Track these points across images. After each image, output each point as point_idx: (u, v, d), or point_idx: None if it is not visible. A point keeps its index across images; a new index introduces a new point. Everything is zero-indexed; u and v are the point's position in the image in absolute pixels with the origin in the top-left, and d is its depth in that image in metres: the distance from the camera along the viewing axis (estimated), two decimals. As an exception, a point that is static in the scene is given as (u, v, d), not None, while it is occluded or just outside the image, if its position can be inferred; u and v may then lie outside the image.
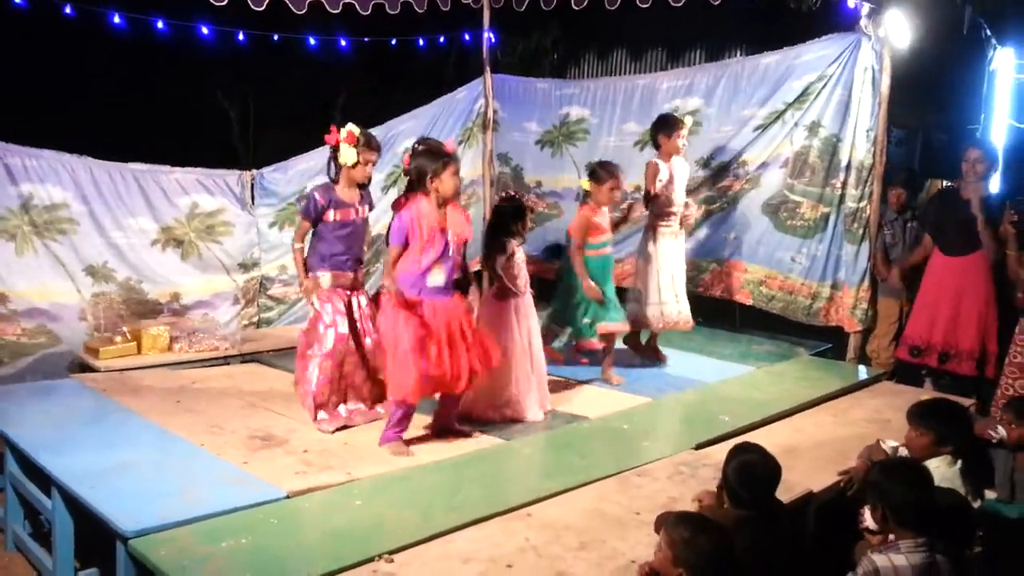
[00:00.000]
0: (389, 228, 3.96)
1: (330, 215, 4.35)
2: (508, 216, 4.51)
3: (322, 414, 4.24)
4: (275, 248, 6.24)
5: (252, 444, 3.92)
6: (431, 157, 3.90)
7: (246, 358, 5.56)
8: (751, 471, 2.72)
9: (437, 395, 4.13)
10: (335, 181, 4.38)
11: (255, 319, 6.22)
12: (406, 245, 3.88)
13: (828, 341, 6.13)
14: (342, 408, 4.34)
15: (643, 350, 5.72)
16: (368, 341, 4.39)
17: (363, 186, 4.46)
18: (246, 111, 9.80)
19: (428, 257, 3.86)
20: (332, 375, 4.27)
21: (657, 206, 5.45)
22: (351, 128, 4.28)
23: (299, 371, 4.36)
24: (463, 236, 3.99)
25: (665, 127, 5.54)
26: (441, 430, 4.18)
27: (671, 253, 5.51)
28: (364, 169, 4.36)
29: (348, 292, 4.42)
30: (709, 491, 3.05)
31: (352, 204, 4.40)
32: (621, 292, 5.44)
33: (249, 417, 4.30)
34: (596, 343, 5.06)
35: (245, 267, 6.14)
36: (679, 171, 5.54)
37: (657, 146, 5.53)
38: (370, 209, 4.54)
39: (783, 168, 6.08)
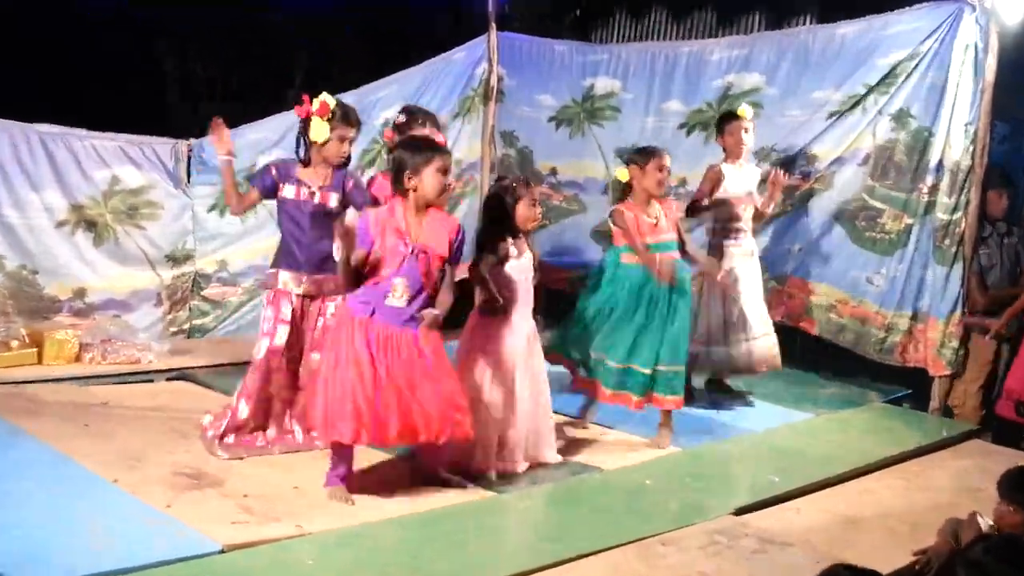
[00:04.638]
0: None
1: (284, 191, 4.45)
2: (495, 208, 4.47)
3: (230, 439, 4.33)
4: (214, 238, 6.27)
5: (178, 483, 3.94)
6: (413, 149, 3.96)
7: (174, 374, 5.59)
8: None
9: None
10: (305, 162, 4.47)
11: (185, 325, 6.27)
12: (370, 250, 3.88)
13: (908, 386, 6.17)
14: (260, 438, 4.44)
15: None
16: (315, 357, 4.42)
17: (341, 168, 4.53)
18: (187, 63, 9.84)
19: (389, 268, 3.86)
20: (256, 394, 4.39)
21: (720, 220, 5.53)
22: (324, 98, 4.36)
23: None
24: (437, 253, 3.92)
25: (719, 125, 5.68)
26: (425, 478, 4.20)
27: (742, 278, 5.57)
28: (339, 146, 4.44)
29: (305, 298, 4.47)
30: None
31: (311, 185, 4.45)
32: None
33: (175, 450, 4.32)
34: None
35: (175, 260, 6.18)
36: (743, 177, 5.62)
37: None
38: (342, 202, 4.50)
39: (862, 166, 6.13)
